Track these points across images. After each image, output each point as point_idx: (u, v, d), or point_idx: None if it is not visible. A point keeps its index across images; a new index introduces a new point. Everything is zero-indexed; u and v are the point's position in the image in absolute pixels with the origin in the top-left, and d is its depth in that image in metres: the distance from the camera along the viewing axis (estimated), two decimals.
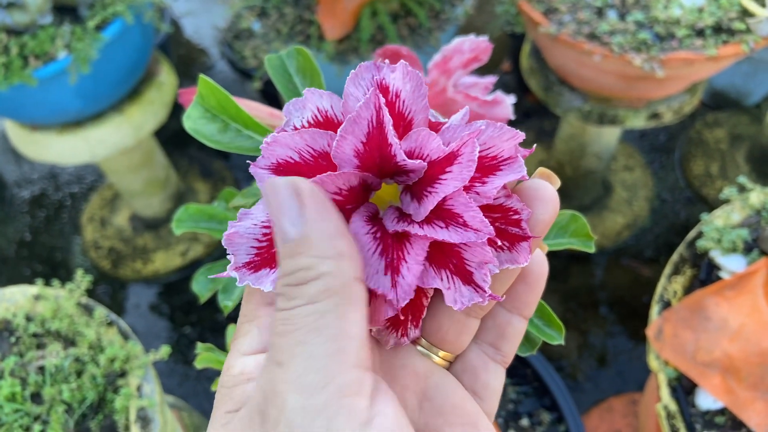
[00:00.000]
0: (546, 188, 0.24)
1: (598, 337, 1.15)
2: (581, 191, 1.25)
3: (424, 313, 0.24)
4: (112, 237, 1.30)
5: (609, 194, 1.28)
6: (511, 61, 1.48)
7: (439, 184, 0.21)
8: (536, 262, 0.25)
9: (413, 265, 0.22)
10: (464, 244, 0.22)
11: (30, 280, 1.14)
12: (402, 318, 0.23)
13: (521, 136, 0.22)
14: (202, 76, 0.27)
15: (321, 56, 0.87)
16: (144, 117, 1.01)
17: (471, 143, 0.21)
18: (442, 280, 0.22)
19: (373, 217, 0.23)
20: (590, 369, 1.11)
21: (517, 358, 0.71)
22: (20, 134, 1.01)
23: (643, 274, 1.20)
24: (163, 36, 1.33)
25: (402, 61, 0.22)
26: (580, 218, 0.29)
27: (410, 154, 0.22)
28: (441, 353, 0.26)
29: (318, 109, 0.22)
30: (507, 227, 0.23)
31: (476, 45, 0.33)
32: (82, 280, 0.62)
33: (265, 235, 0.22)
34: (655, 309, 0.61)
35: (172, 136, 1.40)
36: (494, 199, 0.23)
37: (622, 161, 1.33)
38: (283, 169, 0.21)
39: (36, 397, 0.57)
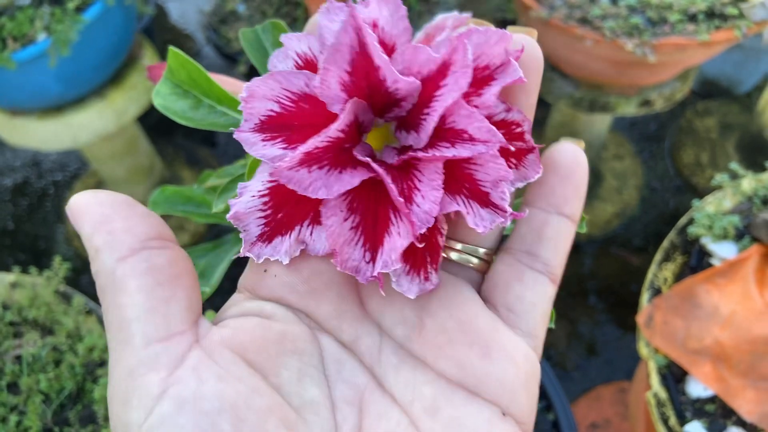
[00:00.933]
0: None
1: (586, 325, 1.14)
2: None
3: (441, 255, 0.22)
4: None
5: (599, 183, 1.28)
6: None
7: (436, 100, 0.20)
8: (566, 152, 0.22)
9: (428, 192, 0.20)
10: (475, 163, 0.20)
11: (12, 269, 1.11)
12: (421, 258, 0.21)
13: (510, 36, 0.20)
14: (171, 48, 0.25)
15: None
16: (127, 102, 0.99)
17: (462, 47, 0.19)
18: (459, 204, 0.21)
19: (371, 155, 0.22)
20: (579, 358, 1.11)
21: None
22: (0, 120, 0.98)
23: (632, 262, 1.20)
24: (148, 19, 1.30)
25: None
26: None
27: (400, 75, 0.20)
28: (481, 251, 0.23)
29: (298, 54, 0.21)
30: (512, 142, 0.21)
31: (460, 21, 0.31)
32: (59, 267, 0.60)
33: (266, 204, 0.21)
34: (645, 296, 0.61)
35: (156, 123, 1.38)
36: (495, 114, 0.21)
37: (613, 150, 1.33)
38: (269, 125, 0.20)
39: (12, 387, 0.56)
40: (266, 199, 0.21)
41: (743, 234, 0.61)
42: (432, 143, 0.20)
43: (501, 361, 0.21)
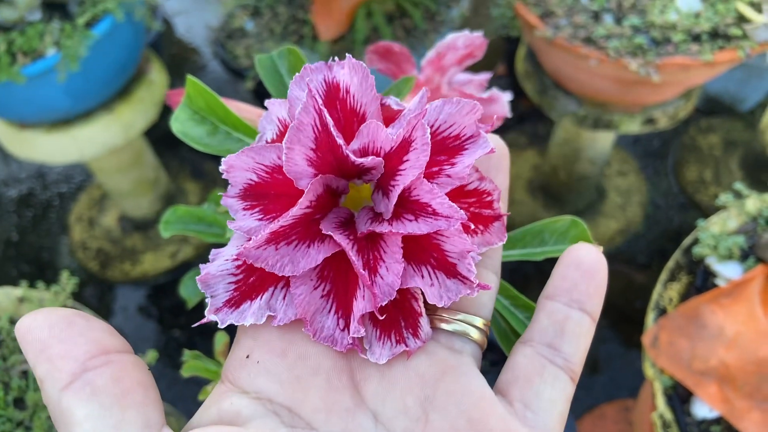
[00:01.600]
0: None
1: (590, 342, 1.14)
2: (575, 196, 1.25)
3: (422, 321, 0.22)
4: (101, 238, 1.29)
5: (602, 199, 1.28)
6: (506, 65, 1.48)
7: (399, 175, 0.20)
8: (590, 252, 0.22)
9: (392, 264, 0.20)
10: (442, 235, 0.21)
11: (16, 281, 1.12)
12: (391, 323, 0.21)
13: (480, 109, 0.21)
14: (189, 77, 0.26)
15: (315, 57, 0.86)
16: (134, 116, 1.00)
17: (420, 126, 0.20)
18: (423, 277, 0.21)
19: (346, 221, 0.22)
20: (582, 375, 1.10)
21: (502, 355, 0.70)
22: (8, 133, 0.99)
23: (635, 279, 1.20)
24: (155, 34, 1.31)
25: (348, 55, 0.21)
26: (581, 224, 0.28)
27: (364, 151, 0.21)
28: (478, 321, 0.22)
29: (279, 120, 0.21)
30: (481, 210, 0.22)
31: (471, 41, 0.32)
32: (67, 282, 0.61)
33: (238, 267, 0.21)
34: (650, 316, 0.61)
35: (162, 136, 1.39)
36: (469, 183, 0.22)
37: (616, 166, 1.33)
38: (249, 193, 0.21)
39: (19, 403, 0.56)
40: (239, 262, 0.21)
41: (748, 254, 0.62)
42: (398, 213, 0.21)
43: None
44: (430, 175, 0.21)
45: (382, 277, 0.20)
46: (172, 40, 1.65)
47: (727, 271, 0.61)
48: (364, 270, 0.20)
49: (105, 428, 0.18)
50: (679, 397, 0.57)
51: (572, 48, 0.79)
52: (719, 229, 0.64)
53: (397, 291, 0.21)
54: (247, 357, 0.21)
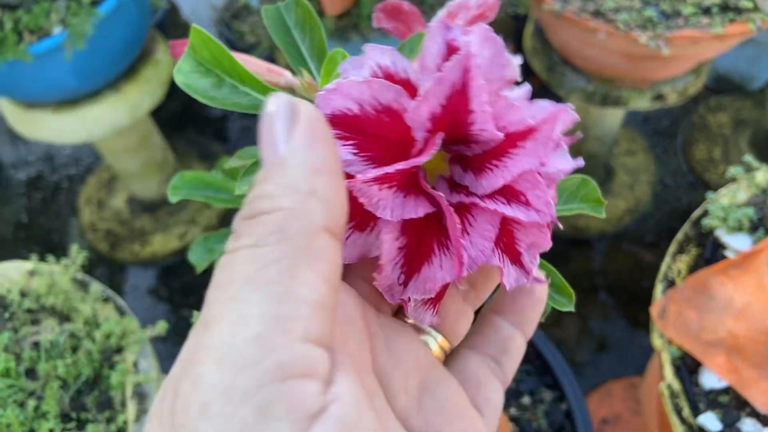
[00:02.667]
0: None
1: (597, 321, 1.14)
2: (583, 175, 1.24)
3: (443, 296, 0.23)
4: (110, 219, 1.29)
5: (611, 178, 1.27)
6: (513, 43, 1.47)
7: (509, 158, 0.20)
8: (541, 284, 0.24)
9: (477, 239, 0.21)
10: (518, 223, 0.21)
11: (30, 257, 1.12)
12: (439, 293, 0.22)
13: (575, 120, 0.21)
14: (194, 26, 0.26)
15: None
16: (140, 96, 1.00)
17: (553, 121, 0.20)
18: (495, 257, 0.21)
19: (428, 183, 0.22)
20: (590, 353, 1.11)
21: None
22: (15, 112, 0.99)
23: (643, 258, 1.19)
24: (161, 14, 1.31)
25: (481, 24, 0.20)
26: (590, 182, 0.28)
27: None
28: (440, 339, 0.24)
29: (379, 66, 0.20)
30: None
31: (483, 0, 0.32)
32: (77, 255, 0.61)
33: None
34: (659, 288, 0.61)
35: (169, 118, 1.39)
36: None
37: (625, 145, 1.32)
38: (337, 121, 0.20)
39: (31, 373, 0.56)
40: None
41: (758, 226, 0.61)
42: (492, 194, 0.21)
43: None
44: None
45: (465, 249, 0.21)
46: (177, 20, 1.64)
47: (737, 243, 0.61)
48: (461, 239, 0.20)
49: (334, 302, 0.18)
50: (687, 367, 0.57)
51: (581, 21, 0.78)
52: (729, 201, 0.63)
53: None
54: None
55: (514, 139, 0.20)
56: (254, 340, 0.15)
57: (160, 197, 1.27)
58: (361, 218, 0.21)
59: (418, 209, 0.21)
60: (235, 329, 0.15)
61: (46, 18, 0.84)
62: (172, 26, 1.61)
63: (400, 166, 0.19)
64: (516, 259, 0.21)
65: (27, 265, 0.63)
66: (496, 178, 0.20)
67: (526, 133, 0.20)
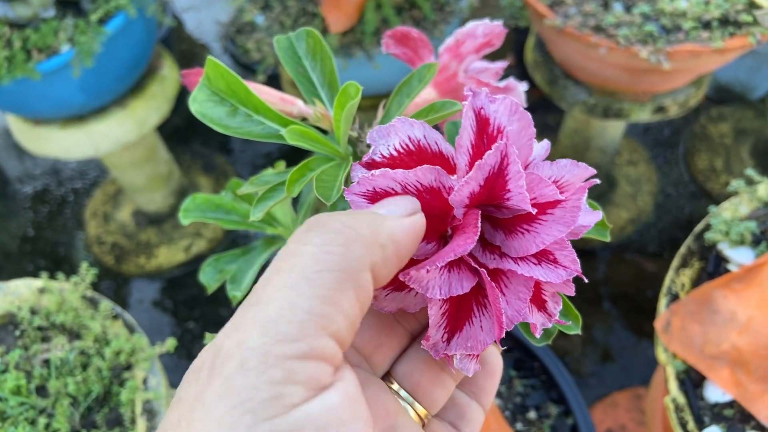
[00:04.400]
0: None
1: (602, 332, 1.14)
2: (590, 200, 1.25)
3: (492, 345, 0.25)
4: (116, 232, 1.30)
5: (613, 189, 1.28)
6: (515, 56, 1.48)
7: (539, 224, 0.22)
8: (492, 353, 0.27)
9: (513, 300, 0.22)
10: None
11: (33, 276, 1.13)
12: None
13: (593, 174, 0.23)
14: (210, 58, 0.26)
15: None
16: (147, 111, 1.01)
17: (581, 192, 0.21)
18: (531, 315, 0.23)
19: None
20: (594, 364, 1.11)
21: (524, 351, 0.70)
22: (23, 129, 1.00)
23: (647, 268, 1.20)
24: (166, 30, 1.32)
25: (508, 97, 0.21)
26: (597, 207, 0.29)
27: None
28: (419, 408, 0.26)
29: (410, 138, 0.22)
30: None
31: (490, 29, 0.32)
32: (87, 273, 0.62)
33: None
34: (663, 302, 0.61)
35: (174, 132, 1.40)
36: None
37: (626, 156, 1.33)
38: (379, 196, 0.22)
39: (41, 390, 0.57)
40: None
41: (760, 240, 0.62)
42: (524, 257, 0.22)
43: None
44: None
45: (503, 311, 0.22)
46: (182, 36, 1.66)
47: (739, 257, 0.61)
48: (500, 305, 0.22)
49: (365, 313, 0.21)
50: (692, 381, 0.57)
51: (582, 36, 0.79)
52: (731, 214, 0.64)
53: None
54: None
55: (545, 207, 0.21)
56: (297, 324, 0.19)
57: (165, 210, 1.28)
58: (399, 283, 0.23)
59: (463, 284, 0.22)
60: (284, 312, 0.19)
61: (54, 36, 0.85)
62: (178, 41, 1.63)
63: (450, 258, 0.21)
64: (542, 306, 0.23)
65: (37, 283, 0.63)
66: (528, 244, 0.22)
67: (555, 203, 0.21)
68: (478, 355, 0.24)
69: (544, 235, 0.21)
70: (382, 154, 0.22)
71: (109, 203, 1.35)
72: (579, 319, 0.28)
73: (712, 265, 0.62)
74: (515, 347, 0.70)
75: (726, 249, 0.62)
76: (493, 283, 0.22)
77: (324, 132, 0.30)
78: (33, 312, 0.62)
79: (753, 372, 0.55)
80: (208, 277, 0.40)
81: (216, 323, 1.19)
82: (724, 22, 0.79)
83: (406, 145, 0.22)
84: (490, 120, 0.21)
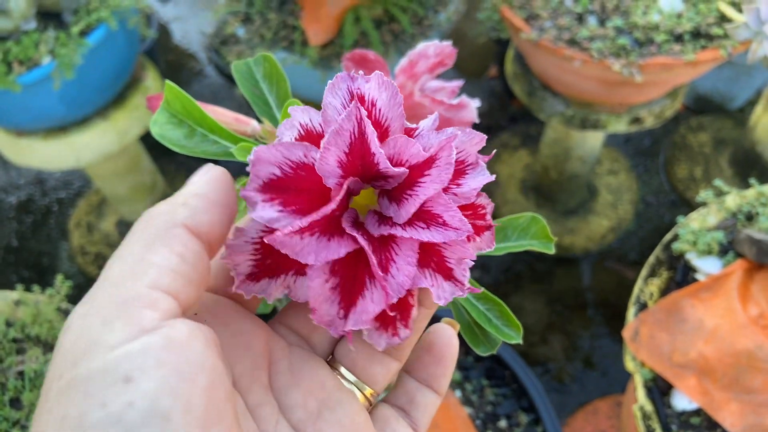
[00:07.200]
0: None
1: (583, 339, 1.15)
2: (566, 195, 1.26)
3: (414, 312, 0.24)
4: (99, 242, 1.30)
5: (594, 198, 1.29)
6: (498, 67, 1.50)
7: (419, 187, 0.23)
8: (442, 336, 0.27)
9: (403, 266, 0.23)
10: (446, 243, 0.23)
11: (17, 286, 1.13)
12: (391, 316, 0.24)
13: (484, 139, 0.24)
14: (167, 82, 0.27)
15: (305, 62, 0.87)
16: (129, 122, 1.02)
17: (448, 147, 0.22)
18: (426, 278, 0.23)
19: (356, 221, 0.24)
20: (576, 371, 1.12)
21: (495, 360, 0.71)
22: (5, 140, 1.01)
23: (627, 276, 1.21)
24: (151, 41, 1.33)
25: (377, 72, 0.23)
26: (540, 220, 0.30)
27: (390, 161, 0.23)
28: (366, 389, 0.26)
29: (301, 125, 0.23)
30: (476, 221, 0.25)
31: (441, 49, 0.34)
32: (62, 285, 0.62)
33: (257, 250, 0.24)
34: (631, 311, 0.62)
35: (158, 142, 1.40)
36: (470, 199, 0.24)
37: (607, 165, 1.35)
38: (270, 186, 0.22)
39: (15, 402, 0.57)
40: (258, 246, 0.24)
41: (727, 249, 0.63)
42: (410, 221, 0.23)
43: None
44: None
45: (393, 277, 0.23)
46: (168, 46, 1.66)
47: (707, 266, 0.63)
48: (381, 271, 0.22)
49: (186, 267, 0.22)
50: (659, 389, 0.58)
51: (557, 50, 0.81)
52: (699, 225, 0.65)
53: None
54: (195, 314, 0.25)
55: (421, 169, 0.22)
56: (111, 289, 0.20)
57: None
58: (299, 265, 0.24)
59: (340, 250, 0.23)
60: (102, 288, 0.21)
61: (35, 49, 0.86)
62: (164, 51, 1.63)
63: (311, 218, 0.21)
64: (449, 275, 0.23)
65: (13, 295, 0.64)
66: (411, 206, 0.23)
67: (429, 163, 0.22)
68: (394, 331, 0.24)
69: (422, 195, 0.22)
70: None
71: (92, 213, 1.35)
72: (520, 329, 0.29)
73: (680, 275, 0.63)
74: (487, 357, 0.71)
75: (694, 259, 0.63)
76: (380, 252, 0.22)
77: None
78: (8, 324, 0.62)
79: (719, 380, 0.56)
80: None
81: None
82: (696, 35, 0.81)
83: (299, 132, 0.23)
84: (365, 96, 0.22)
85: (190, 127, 0.29)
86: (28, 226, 1.38)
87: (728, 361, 0.56)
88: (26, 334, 0.61)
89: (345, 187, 0.22)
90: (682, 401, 0.57)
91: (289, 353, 0.26)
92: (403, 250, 0.23)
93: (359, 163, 0.22)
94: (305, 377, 0.25)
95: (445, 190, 0.23)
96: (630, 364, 0.60)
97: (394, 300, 0.22)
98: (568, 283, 1.22)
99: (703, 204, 0.68)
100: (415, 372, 0.28)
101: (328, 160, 0.22)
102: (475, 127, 0.31)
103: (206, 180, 0.23)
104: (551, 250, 0.30)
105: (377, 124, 0.23)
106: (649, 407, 0.57)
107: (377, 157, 0.22)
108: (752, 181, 0.69)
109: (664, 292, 0.63)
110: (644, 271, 0.64)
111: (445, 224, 0.22)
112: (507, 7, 0.86)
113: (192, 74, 1.61)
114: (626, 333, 0.61)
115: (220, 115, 0.32)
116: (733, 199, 0.67)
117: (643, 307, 0.62)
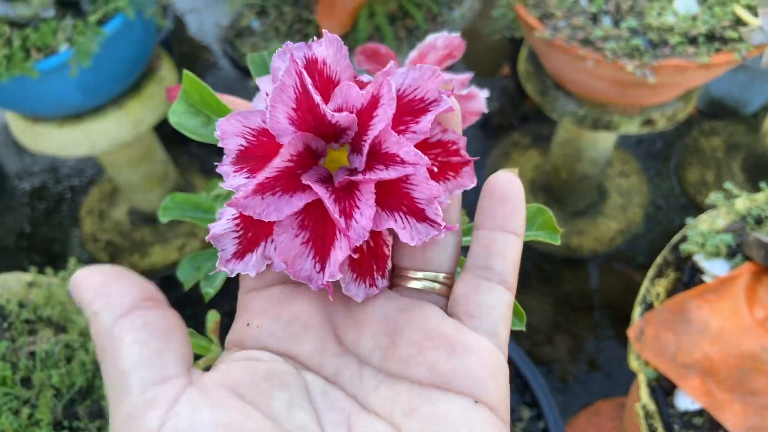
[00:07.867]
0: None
1: (589, 341, 1.15)
2: (576, 196, 1.26)
3: (389, 263, 0.25)
4: (111, 230, 1.32)
5: (604, 200, 1.29)
6: (511, 66, 1.49)
7: (370, 129, 0.23)
8: (501, 179, 0.25)
9: (365, 209, 0.23)
10: (412, 183, 0.23)
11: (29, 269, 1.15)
12: (366, 266, 0.25)
13: (442, 75, 0.24)
14: (186, 72, 0.28)
15: None
16: (144, 111, 1.03)
17: (386, 83, 0.22)
18: (396, 221, 0.23)
19: (325, 178, 0.24)
20: (580, 372, 1.12)
21: None
22: (21, 126, 1.02)
23: (635, 279, 1.21)
24: (166, 32, 1.34)
25: (324, 31, 0.23)
26: (547, 211, 0.30)
27: (339, 110, 0.23)
28: (441, 276, 0.25)
29: (267, 95, 0.24)
30: (449, 158, 0.25)
31: (449, 41, 0.34)
32: (74, 268, 0.63)
33: (238, 225, 0.24)
34: (637, 311, 0.62)
35: (172, 132, 1.41)
36: (432, 136, 0.24)
37: (618, 167, 1.34)
38: (240, 157, 0.23)
39: (26, 382, 0.58)
40: (238, 221, 0.24)
41: (735, 252, 0.63)
42: (371, 165, 0.23)
43: (466, 356, 0.23)
44: (398, 133, 0.24)
45: (356, 221, 0.23)
46: (183, 38, 1.68)
47: (714, 268, 0.63)
48: (339, 216, 0.23)
49: (150, 351, 0.22)
50: (663, 389, 0.58)
51: (570, 49, 0.81)
52: (707, 227, 0.65)
53: (371, 238, 0.24)
54: (248, 324, 0.25)
55: (369, 113, 0.23)
56: (116, 410, 0.21)
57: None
58: (269, 232, 0.24)
59: (299, 203, 0.23)
60: (110, 400, 0.22)
61: (53, 36, 0.87)
62: (180, 43, 1.65)
63: (264, 173, 0.22)
64: (421, 216, 0.23)
65: (26, 277, 0.65)
66: (364, 150, 0.23)
67: (373, 104, 0.23)
68: (372, 281, 0.24)
69: (371, 136, 0.23)
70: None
71: (104, 201, 1.37)
72: (523, 317, 0.29)
73: (688, 276, 0.63)
74: None
75: (702, 260, 0.63)
76: (343, 200, 0.23)
77: None
78: (21, 305, 0.63)
79: (722, 381, 0.57)
80: (185, 274, 0.41)
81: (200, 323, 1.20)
82: (711, 37, 0.80)
83: (265, 100, 0.24)
84: (317, 58, 0.23)
85: (207, 116, 0.30)
86: (40, 213, 1.39)
87: (733, 362, 0.57)
88: (38, 315, 0.62)
89: (298, 141, 0.22)
90: (685, 401, 0.57)
91: (346, 302, 0.26)
92: (364, 194, 0.23)
93: (311, 118, 0.23)
94: (363, 317, 0.25)
95: (404, 131, 0.23)
96: (634, 363, 0.60)
97: (358, 243, 0.22)
98: (575, 285, 1.22)
99: (713, 207, 0.68)
100: (483, 224, 0.25)
101: (278, 118, 0.22)
102: (487, 124, 0.31)
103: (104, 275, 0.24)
104: (557, 241, 0.30)
105: (329, 81, 0.23)
106: (652, 406, 0.57)
107: (322, 108, 0.22)
108: (763, 185, 0.69)
109: (671, 292, 0.63)
110: (651, 272, 0.64)
111: (402, 161, 0.22)
112: (521, 5, 0.86)
113: (206, 66, 1.62)
114: (631, 332, 0.61)
115: (237, 105, 0.33)
116: (743, 203, 0.67)
117: (649, 307, 0.62)
